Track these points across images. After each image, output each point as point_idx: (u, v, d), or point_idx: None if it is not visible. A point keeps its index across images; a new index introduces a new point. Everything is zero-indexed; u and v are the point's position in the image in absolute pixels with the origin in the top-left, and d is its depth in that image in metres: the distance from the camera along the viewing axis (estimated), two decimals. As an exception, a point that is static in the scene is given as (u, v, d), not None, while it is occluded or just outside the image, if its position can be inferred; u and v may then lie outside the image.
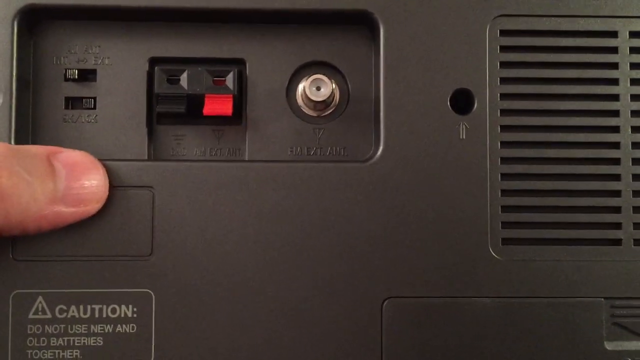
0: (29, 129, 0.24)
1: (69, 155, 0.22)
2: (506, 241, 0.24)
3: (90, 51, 0.25)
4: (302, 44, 0.25)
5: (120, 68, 0.25)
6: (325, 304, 0.23)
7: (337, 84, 0.25)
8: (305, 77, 0.25)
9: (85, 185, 0.22)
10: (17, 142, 0.23)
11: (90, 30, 0.25)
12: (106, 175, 0.23)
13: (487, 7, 0.24)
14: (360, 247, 0.24)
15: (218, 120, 0.25)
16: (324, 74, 0.25)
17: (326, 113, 0.25)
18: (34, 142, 0.24)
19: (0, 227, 0.20)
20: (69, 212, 0.22)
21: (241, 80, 0.25)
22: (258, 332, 0.23)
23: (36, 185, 0.20)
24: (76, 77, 0.24)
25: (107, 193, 0.23)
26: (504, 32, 0.24)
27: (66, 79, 0.24)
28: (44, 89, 0.24)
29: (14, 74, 0.23)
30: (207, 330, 0.23)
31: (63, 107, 0.25)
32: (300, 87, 0.25)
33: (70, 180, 0.21)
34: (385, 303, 0.23)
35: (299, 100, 0.25)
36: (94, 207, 0.22)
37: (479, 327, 0.23)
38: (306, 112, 0.25)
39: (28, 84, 0.24)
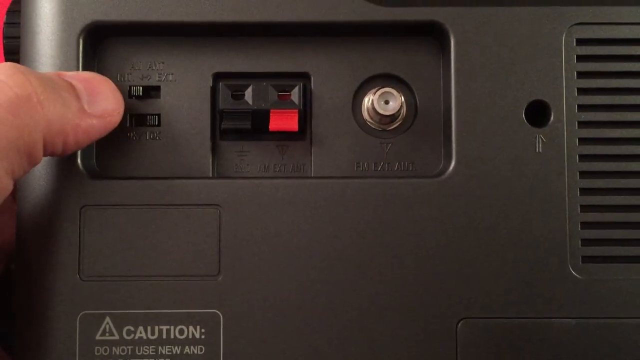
0: (93, 146, 0.24)
1: (77, 73, 0.23)
2: (587, 259, 0.23)
3: (153, 67, 0.24)
4: (367, 57, 0.24)
5: (184, 84, 0.24)
6: (398, 324, 0.22)
7: (403, 96, 0.24)
8: (373, 91, 0.24)
9: (105, 94, 0.23)
10: (83, 160, 0.23)
11: (154, 47, 0.24)
12: (115, 85, 0.23)
13: (562, 16, 0.23)
14: (434, 266, 0.23)
15: (282, 135, 0.25)
16: (391, 87, 0.24)
17: (391, 127, 0.24)
18: (98, 159, 0.24)
19: (45, 138, 0.21)
20: (98, 123, 0.22)
21: (305, 94, 0.24)
22: (328, 353, 0.22)
23: (65, 96, 0.21)
24: (140, 94, 0.24)
25: (123, 102, 0.23)
26: (580, 41, 0.23)
27: (130, 96, 0.24)
28: (108, 106, 0.24)
29: (79, 91, 0.23)
30: (277, 351, 0.22)
31: (127, 124, 0.24)
32: (367, 100, 0.24)
33: (90, 92, 0.22)
34: (460, 324, 0.22)
35: (365, 114, 0.24)
36: (117, 117, 0.23)
37: (559, 350, 0.22)
38: (371, 126, 0.24)
39: (92, 102, 0.24)
